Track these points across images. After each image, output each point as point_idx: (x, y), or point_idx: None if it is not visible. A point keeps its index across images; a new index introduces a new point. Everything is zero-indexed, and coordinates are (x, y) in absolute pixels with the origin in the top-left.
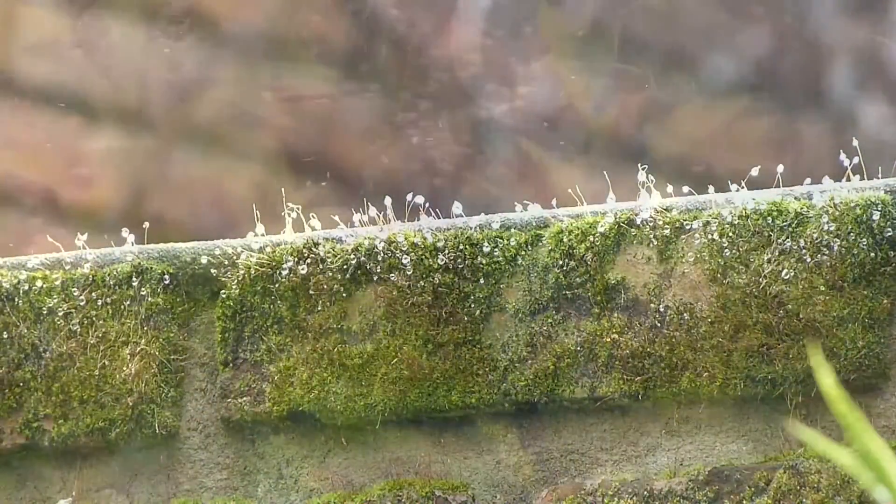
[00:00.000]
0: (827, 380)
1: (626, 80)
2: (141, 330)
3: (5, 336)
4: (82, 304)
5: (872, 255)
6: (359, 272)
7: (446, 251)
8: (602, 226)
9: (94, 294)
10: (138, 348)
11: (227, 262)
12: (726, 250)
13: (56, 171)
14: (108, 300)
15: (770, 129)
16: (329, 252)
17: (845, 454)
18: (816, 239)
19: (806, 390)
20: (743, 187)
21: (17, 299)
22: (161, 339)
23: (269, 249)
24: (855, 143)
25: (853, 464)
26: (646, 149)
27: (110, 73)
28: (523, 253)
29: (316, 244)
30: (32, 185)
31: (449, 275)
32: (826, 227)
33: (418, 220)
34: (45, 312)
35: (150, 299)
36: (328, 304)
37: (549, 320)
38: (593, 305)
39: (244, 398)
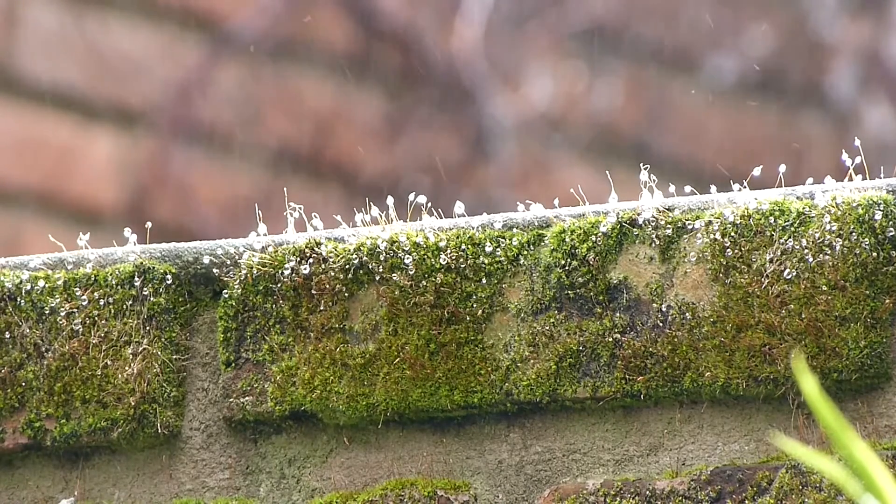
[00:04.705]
0: (810, 388)
1: (629, 80)
2: (143, 330)
3: (7, 336)
4: (84, 303)
5: (875, 254)
6: (361, 272)
7: (448, 251)
8: (604, 225)
9: (96, 294)
10: (140, 348)
11: (229, 262)
12: (728, 250)
13: (57, 170)
14: (111, 300)
15: (772, 128)
16: (331, 252)
17: (830, 463)
18: (818, 238)
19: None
20: (745, 187)
21: (19, 299)
22: (163, 339)
23: (271, 249)
24: (857, 142)
25: (839, 473)
26: (648, 148)
27: (111, 73)
28: (525, 253)
29: (318, 244)
30: (33, 185)
31: (451, 274)
32: (828, 227)
33: (420, 219)
34: (47, 312)
35: (152, 299)
36: (330, 303)
37: (552, 320)
38: (595, 305)
39: (246, 398)
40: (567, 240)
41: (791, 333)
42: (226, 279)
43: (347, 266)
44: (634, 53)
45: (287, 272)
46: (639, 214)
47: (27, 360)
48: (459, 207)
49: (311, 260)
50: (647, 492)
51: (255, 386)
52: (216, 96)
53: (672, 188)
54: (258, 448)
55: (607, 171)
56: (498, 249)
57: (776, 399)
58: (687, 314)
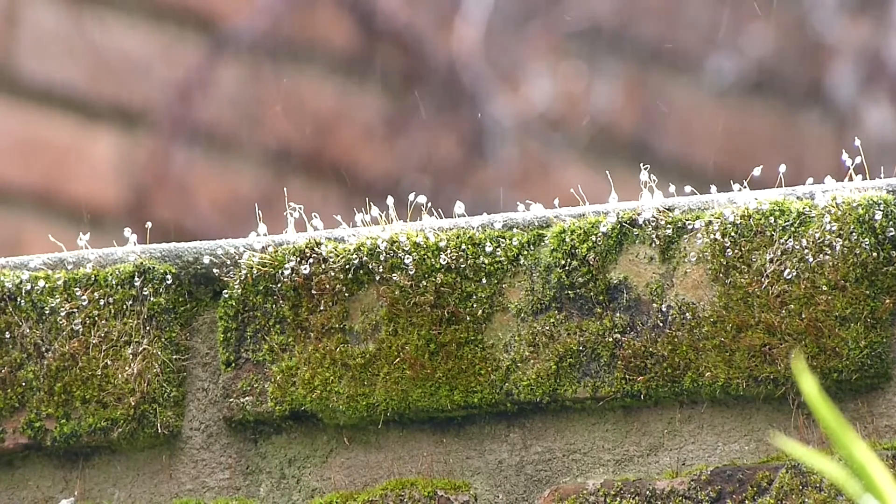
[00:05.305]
0: (810, 389)
1: (629, 80)
2: (143, 330)
3: (8, 336)
4: (84, 303)
5: (875, 254)
6: (361, 272)
7: (448, 251)
8: (604, 225)
9: (96, 294)
10: (140, 348)
11: (229, 262)
12: (728, 250)
13: (57, 170)
14: (111, 300)
15: (772, 128)
16: (331, 252)
17: (830, 463)
18: (819, 238)
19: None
20: (745, 187)
21: (19, 299)
22: (163, 339)
23: (271, 249)
24: (857, 142)
25: (839, 473)
26: (648, 148)
27: (111, 73)
28: (525, 253)
29: (318, 244)
30: (33, 185)
31: (451, 274)
32: (828, 227)
33: (420, 219)
34: (47, 312)
35: (152, 299)
36: (330, 303)
37: (552, 320)
38: (595, 305)
39: (246, 398)
40: (567, 240)
41: (791, 333)
42: (226, 279)
43: (347, 266)
44: (634, 53)
45: (287, 272)
46: (639, 214)
47: (27, 360)
48: (459, 207)
49: (311, 260)
50: (648, 492)
51: (255, 386)
52: (216, 96)
53: (672, 188)
54: (258, 448)
55: (607, 172)
56: (498, 249)
57: (776, 399)
58: (687, 314)
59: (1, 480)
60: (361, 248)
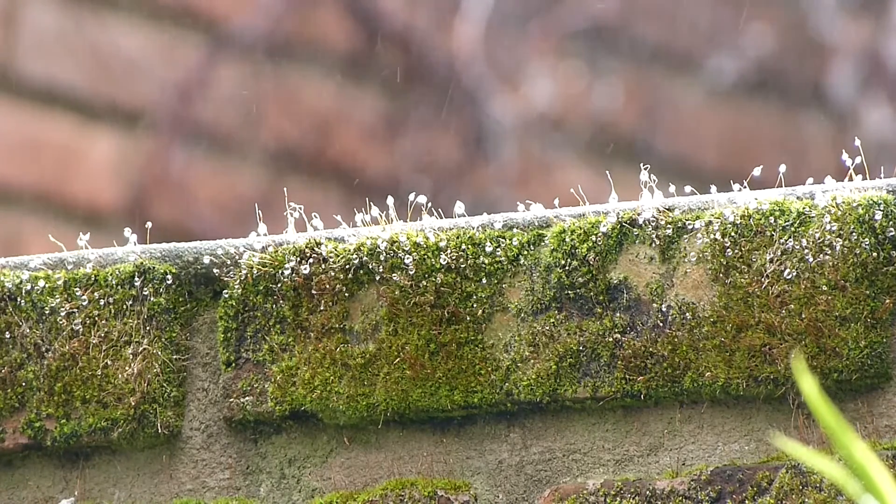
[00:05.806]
0: (810, 389)
1: (629, 80)
2: (143, 330)
3: (8, 336)
4: (84, 303)
5: (875, 254)
6: (361, 272)
7: (448, 251)
8: (604, 225)
9: (96, 294)
10: (140, 348)
11: (229, 262)
12: (728, 250)
13: (57, 170)
14: (111, 300)
15: (772, 128)
16: (331, 252)
17: (830, 463)
18: (819, 238)
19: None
20: (745, 187)
21: (19, 299)
22: (163, 339)
23: (271, 249)
24: (857, 142)
25: (839, 473)
26: (648, 148)
27: (111, 73)
28: (525, 253)
29: (318, 244)
30: (33, 185)
31: (451, 274)
32: (828, 227)
33: (420, 219)
34: (47, 312)
35: (152, 299)
36: (330, 303)
37: (552, 320)
38: (595, 305)
39: (246, 398)
40: (567, 240)
41: (791, 333)
42: (226, 279)
43: (347, 266)
44: (634, 53)
45: (287, 272)
46: (639, 214)
47: (27, 360)
48: (459, 207)
49: (311, 260)
50: (648, 492)
51: (255, 386)
52: (216, 96)
53: (672, 188)
54: (258, 448)
55: (607, 172)
56: (498, 249)
57: (776, 399)
58: (687, 314)
59: (1, 480)
60: (361, 248)
